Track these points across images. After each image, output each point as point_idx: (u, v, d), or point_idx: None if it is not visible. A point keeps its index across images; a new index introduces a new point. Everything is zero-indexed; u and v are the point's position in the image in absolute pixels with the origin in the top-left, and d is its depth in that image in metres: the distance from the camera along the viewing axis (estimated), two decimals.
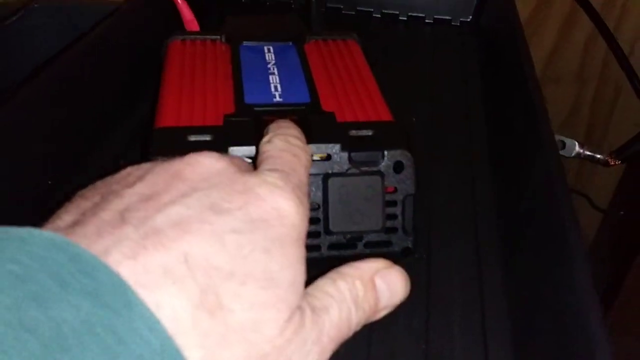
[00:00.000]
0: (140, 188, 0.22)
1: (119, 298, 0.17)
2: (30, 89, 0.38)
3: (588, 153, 0.70)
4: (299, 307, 0.21)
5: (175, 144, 0.34)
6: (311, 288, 0.23)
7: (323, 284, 0.24)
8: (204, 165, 0.24)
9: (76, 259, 0.17)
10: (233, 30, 0.49)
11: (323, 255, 0.36)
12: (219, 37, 0.47)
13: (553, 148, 0.34)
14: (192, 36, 0.47)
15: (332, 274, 0.25)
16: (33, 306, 0.15)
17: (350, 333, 0.23)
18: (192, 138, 0.35)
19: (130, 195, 0.22)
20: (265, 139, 0.29)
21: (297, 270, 0.22)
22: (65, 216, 0.22)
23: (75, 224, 0.20)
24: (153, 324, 0.17)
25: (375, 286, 0.25)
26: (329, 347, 0.22)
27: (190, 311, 0.18)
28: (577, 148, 0.70)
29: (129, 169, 0.25)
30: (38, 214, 0.37)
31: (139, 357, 0.16)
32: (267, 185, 0.23)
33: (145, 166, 0.25)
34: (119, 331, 0.16)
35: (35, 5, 0.53)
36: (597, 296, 0.25)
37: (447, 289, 0.36)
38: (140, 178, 0.23)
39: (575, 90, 0.92)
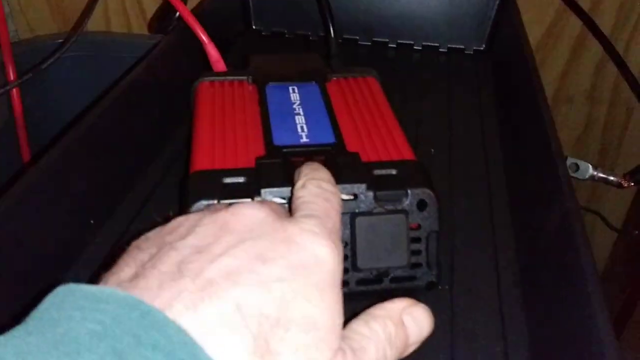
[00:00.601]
0: (192, 240, 0.25)
1: (187, 352, 0.19)
2: (73, 135, 0.40)
3: (601, 175, 0.72)
4: (340, 349, 0.24)
5: (211, 187, 0.36)
6: (347, 330, 0.25)
7: (357, 326, 0.26)
8: (247, 216, 0.26)
9: (147, 316, 0.19)
10: (259, 70, 0.51)
11: (351, 291, 0.38)
12: (245, 78, 0.50)
13: (569, 189, 0.35)
14: (220, 77, 0.50)
15: (363, 316, 0.27)
16: None
17: None
18: (227, 180, 0.37)
19: (184, 248, 0.24)
20: (298, 184, 0.31)
21: (335, 313, 0.24)
22: (126, 268, 0.24)
23: (137, 276, 0.23)
24: None
25: (404, 324, 0.27)
26: None
27: (247, 357, 0.20)
28: (590, 171, 0.71)
29: (179, 220, 0.27)
30: (83, 250, 0.40)
31: None
32: (305, 234, 0.25)
33: (193, 217, 0.27)
34: None
35: (73, 41, 0.56)
36: (615, 343, 0.26)
37: (470, 321, 0.37)
38: (190, 230, 0.25)
39: (587, 111, 0.93)
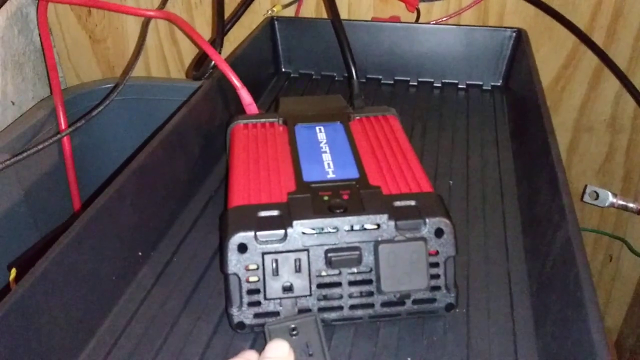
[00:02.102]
0: None
1: None
2: (123, 178, 0.45)
3: (621, 202, 0.74)
4: None
5: (248, 220, 0.40)
6: None
7: None
8: None
9: None
10: (288, 112, 0.56)
11: (377, 313, 0.41)
12: (276, 119, 0.54)
13: (572, 219, 0.39)
14: (253, 120, 0.55)
15: None
16: None
17: None
18: (262, 214, 0.41)
19: None
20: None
21: None
22: None
23: None
24: None
25: None
26: None
27: None
28: (610, 198, 0.74)
29: None
30: (132, 280, 0.44)
31: None
32: None
33: None
34: None
35: (111, 85, 0.62)
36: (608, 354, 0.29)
37: (485, 341, 0.40)
38: None
39: (608, 139, 0.95)
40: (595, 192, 0.73)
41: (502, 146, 0.63)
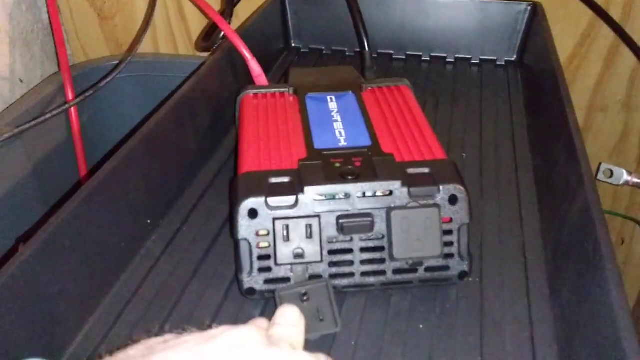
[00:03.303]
0: (173, 339, 0.27)
1: None
2: (132, 142, 0.44)
3: (636, 180, 0.73)
4: None
5: (259, 186, 0.40)
6: None
7: None
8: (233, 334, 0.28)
9: None
10: (298, 82, 0.55)
11: (389, 280, 0.41)
12: (286, 89, 0.53)
13: (592, 186, 0.38)
14: (263, 90, 0.54)
15: None
16: None
17: None
18: (273, 180, 0.40)
19: (163, 341, 0.27)
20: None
21: None
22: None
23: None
24: None
25: None
26: None
27: None
28: (625, 176, 0.72)
29: None
30: (140, 248, 0.44)
31: None
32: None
33: None
34: None
35: (126, 65, 0.61)
36: (631, 321, 0.28)
37: (498, 308, 0.40)
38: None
39: (623, 119, 0.94)
40: (610, 169, 0.72)
41: (517, 120, 0.62)
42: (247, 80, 0.60)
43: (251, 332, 0.27)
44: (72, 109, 0.71)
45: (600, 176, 0.75)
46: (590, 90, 0.93)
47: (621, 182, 0.72)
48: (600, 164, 0.79)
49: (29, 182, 0.73)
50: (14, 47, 0.83)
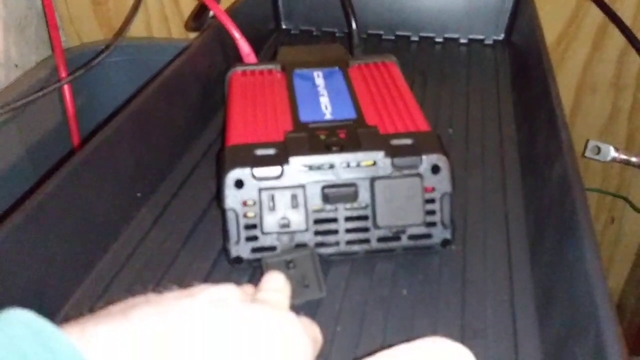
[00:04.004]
0: (155, 297, 0.26)
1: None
2: (121, 119, 0.45)
3: (623, 157, 0.74)
4: None
5: (245, 158, 0.41)
6: None
7: None
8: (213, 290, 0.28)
9: (39, 335, 0.20)
10: (286, 59, 0.56)
11: (373, 248, 0.42)
12: (274, 66, 0.54)
13: (570, 151, 0.38)
14: (251, 67, 0.55)
15: None
16: None
17: None
18: (259, 152, 0.41)
19: (145, 300, 0.26)
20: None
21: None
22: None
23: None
24: None
25: None
26: None
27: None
28: (612, 153, 0.73)
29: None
30: (130, 220, 0.45)
31: None
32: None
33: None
34: None
35: (116, 46, 0.62)
36: (605, 283, 0.29)
37: (480, 274, 0.41)
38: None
39: (612, 99, 0.95)
40: (597, 146, 0.73)
41: (503, 97, 0.63)
42: (237, 60, 0.61)
43: (232, 289, 0.28)
44: (66, 90, 0.72)
45: (588, 153, 0.76)
46: (579, 71, 0.93)
47: (608, 159, 0.73)
48: (587, 140, 0.80)
49: (23, 166, 0.74)
50: (8, 32, 0.84)
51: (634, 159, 0.74)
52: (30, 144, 0.75)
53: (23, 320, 0.20)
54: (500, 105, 0.62)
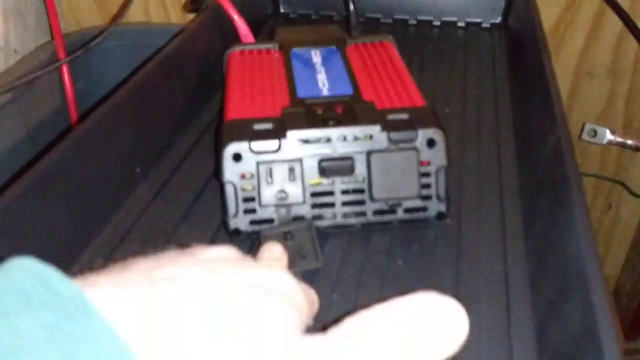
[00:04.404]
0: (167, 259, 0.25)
1: (78, 308, 0.18)
2: (121, 94, 0.46)
3: (619, 140, 0.74)
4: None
5: (243, 132, 0.41)
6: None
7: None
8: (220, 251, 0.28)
9: (42, 278, 0.19)
10: (284, 39, 0.56)
11: (369, 221, 0.42)
12: (272, 46, 0.55)
13: (563, 124, 0.39)
14: (249, 46, 0.55)
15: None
16: None
17: None
18: (256, 127, 0.42)
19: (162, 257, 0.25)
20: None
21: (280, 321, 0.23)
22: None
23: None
24: (111, 331, 0.18)
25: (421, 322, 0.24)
26: None
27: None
28: (608, 135, 0.74)
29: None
30: (130, 194, 0.45)
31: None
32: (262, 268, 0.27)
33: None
34: (76, 337, 0.17)
35: (113, 30, 0.62)
36: (596, 251, 0.30)
37: (475, 246, 0.41)
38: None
39: (609, 84, 0.95)
40: (594, 129, 0.74)
41: (500, 78, 0.63)
42: (235, 42, 0.61)
43: (230, 249, 0.28)
44: (65, 73, 0.72)
45: (585, 136, 0.77)
46: (577, 56, 0.94)
47: (605, 142, 0.74)
48: (584, 123, 0.80)
49: (23, 149, 0.75)
50: (7, 18, 0.84)
51: (629, 142, 0.74)
52: (31, 128, 0.75)
53: (26, 266, 0.20)
54: (497, 86, 0.62)
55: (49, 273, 0.20)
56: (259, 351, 0.21)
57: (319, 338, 0.23)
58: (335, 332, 0.24)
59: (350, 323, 0.24)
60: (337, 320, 0.24)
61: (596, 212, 1.05)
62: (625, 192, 0.99)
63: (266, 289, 0.25)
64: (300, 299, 0.26)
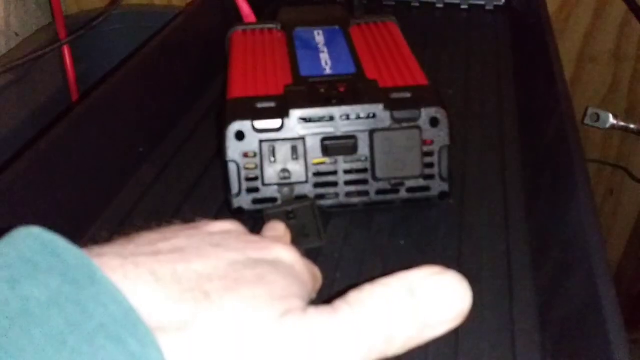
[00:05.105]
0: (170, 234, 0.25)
1: (85, 274, 0.18)
2: (123, 74, 0.45)
3: (622, 124, 0.74)
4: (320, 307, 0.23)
5: (246, 110, 0.41)
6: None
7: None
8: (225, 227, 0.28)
9: (48, 245, 0.19)
10: (287, 19, 0.56)
11: (372, 200, 0.42)
12: (275, 26, 0.54)
13: (567, 103, 0.39)
14: (252, 26, 0.55)
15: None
16: (5, 288, 0.17)
17: None
18: (259, 105, 0.42)
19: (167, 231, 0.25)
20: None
21: (288, 285, 0.24)
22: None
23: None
24: (117, 297, 0.18)
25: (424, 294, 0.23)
26: None
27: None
28: (611, 120, 0.74)
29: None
30: (133, 174, 0.45)
31: (101, 325, 0.17)
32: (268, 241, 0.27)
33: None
34: (83, 302, 0.17)
35: (114, 12, 0.62)
36: (598, 226, 0.30)
37: (477, 226, 0.41)
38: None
39: (612, 69, 0.95)
40: (596, 113, 0.73)
41: (503, 60, 0.63)
42: (237, 22, 0.61)
43: (234, 223, 0.28)
44: (67, 54, 0.72)
45: (587, 120, 0.77)
46: (580, 41, 0.93)
47: (607, 126, 0.73)
48: (587, 107, 0.80)
49: (24, 130, 0.74)
50: (8, 1, 0.84)
51: (632, 126, 0.74)
52: (33, 109, 0.75)
53: (32, 234, 0.20)
54: (500, 68, 0.62)
55: (56, 240, 0.20)
56: (263, 320, 0.21)
57: (323, 308, 0.23)
58: (339, 304, 0.24)
59: (355, 295, 0.24)
60: (341, 293, 0.24)
61: (598, 199, 1.05)
62: (627, 179, 0.99)
63: (270, 261, 0.25)
64: (303, 272, 0.26)
